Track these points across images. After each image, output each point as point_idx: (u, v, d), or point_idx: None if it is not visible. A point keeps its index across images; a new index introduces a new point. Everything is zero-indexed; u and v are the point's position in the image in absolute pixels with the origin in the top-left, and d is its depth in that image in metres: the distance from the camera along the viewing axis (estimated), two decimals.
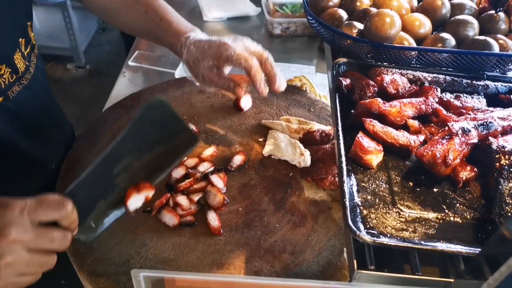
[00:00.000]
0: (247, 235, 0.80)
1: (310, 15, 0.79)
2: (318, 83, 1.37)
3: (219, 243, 0.79)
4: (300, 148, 0.93)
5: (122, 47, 2.47)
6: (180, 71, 1.27)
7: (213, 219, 0.81)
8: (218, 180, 0.87)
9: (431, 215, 0.56)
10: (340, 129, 0.62)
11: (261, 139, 0.99)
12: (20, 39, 0.78)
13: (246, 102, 1.08)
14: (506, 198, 0.52)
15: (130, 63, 1.40)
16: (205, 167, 0.91)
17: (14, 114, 0.81)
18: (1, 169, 0.83)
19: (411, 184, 0.60)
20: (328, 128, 0.97)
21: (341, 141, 0.60)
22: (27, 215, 0.54)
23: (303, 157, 0.91)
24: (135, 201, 0.69)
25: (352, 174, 0.60)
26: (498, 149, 0.56)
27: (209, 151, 0.94)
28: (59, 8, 3.16)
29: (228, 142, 0.98)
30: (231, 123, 1.03)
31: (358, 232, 0.50)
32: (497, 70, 0.76)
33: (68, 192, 0.63)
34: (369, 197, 0.57)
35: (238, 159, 0.93)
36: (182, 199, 0.84)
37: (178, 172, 0.88)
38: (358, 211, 0.55)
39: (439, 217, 0.56)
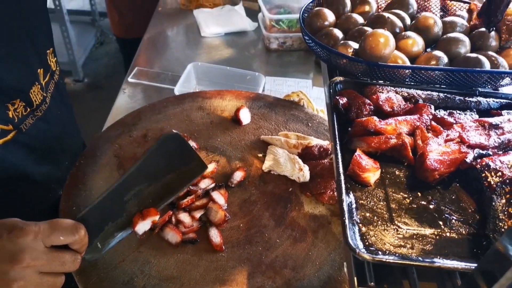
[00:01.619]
0: (249, 251, 0.82)
1: (307, 35, 0.82)
2: (315, 97, 1.40)
3: (221, 259, 0.80)
4: (299, 163, 0.95)
5: (120, 60, 2.50)
6: (180, 87, 1.29)
7: (215, 235, 0.83)
8: (219, 197, 0.89)
9: (427, 231, 0.58)
10: (338, 147, 0.64)
11: (260, 155, 1.01)
12: (39, 70, 0.77)
13: (245, 115, 1.10)
14: (500, 214, 0.54)
15: (130, 79, 1.42)
16: (206, 183, 0.92)
17: (28, 147, 0.80)
18: (12, 194, 0.83)
19: (407, 201, 0.61)
20: (326, 143, 0.99)
21: (339, 160, 0.62)
22: (41, 239, 0.56)
23: (302, 172, 0.93)
24: (143, 226, 0.72)
25: (351, 192, 0.62)
26: (482, 168, 0.58)
27: (210, 167, 0.96)
28: (57, 22, 3.20)
29: (228, 158, 1.00)
30: (230, 139, 1.05)
31: (357, 250, 0.51)
32: (489, 86, 0.79)
33: (80, 217, 0.66)
34: (367, 214, 0.59)
35: (238, 175, 0.94)
36: (184, 217, 0.85)
37: None
38: (357, 228, 0.57)
39: (436, 233, 0.57)
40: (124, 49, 2.19)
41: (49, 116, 0.83)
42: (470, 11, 0.93)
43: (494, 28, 0.81)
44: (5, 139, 0.72)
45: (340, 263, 0.80)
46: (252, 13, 1.77)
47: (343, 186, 0.59)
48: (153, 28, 1.72)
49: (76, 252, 0.61)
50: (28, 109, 0.76)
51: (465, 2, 0.96)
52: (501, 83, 0.79)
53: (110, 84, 3.38)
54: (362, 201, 0.61)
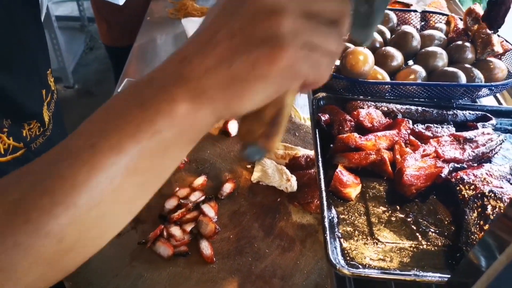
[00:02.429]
0: (239, 262, 0.84)
1: None
2: (302, 104, 1.42)
3: (212, 271, 0.83)
4: (286, 174, 0.98)
5: (110, 66, 2.51)
6: None
7: (205, 248, 0.85)
8: (209, 210, 0.91)
9: (406, 244, 0.61)
10: (320, 164, 0.67)
11: (249, 166, 1.04)
12: (43, 90, 0.78)
13: (233, 127, 1.12)
14: (472, 227, 0.57)
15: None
16: (196, 196, 0.95)
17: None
18: None
19: (387, 214, 0.64)
20: (312, 153, 1.02)
21: (322, 177, 0.65)
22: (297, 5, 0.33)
23: (290, 183, 0.96)
24: None
25: (333, 207, 0.65)
26: (457, 182, 0.61)
27: (200, 180, 0.99)
28: (45, 29, 3.19)
29: (217, 170, 1.02)
30: (220, 150, 1.08)
31: (338, 266, 0.54)
32: (465, 99, 0.82)
33: None
34: (348, 229, 0.62)
35: (227, 187, 0.97)
36: (175, 230, 0.87)
37: (170, 203, 0.92)
38: (339, 243, 0.60)
39: (413, 245, 0.60)
40: (113, 57, 2.19)
41: (54, 134, 0.85)
42: (448, 23, 0.97)
43: (498, 31, 0.85)
44: (14, 156, 0.73)
45: (327, 271, 0.83)
46: None
47: (325, 202, 0.62)
48: (142, 37, 1.73)
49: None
50: (42, 129, 0.78)
51: (443, 15, 0.99)
52: (478, 94, 0.82)
53: (101, 89, 3.38)
54: (343, 216, 0.64)
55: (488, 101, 0.91)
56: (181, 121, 0.33)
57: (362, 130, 0.74)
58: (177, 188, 0.96)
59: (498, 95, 0.92)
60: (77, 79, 3.49)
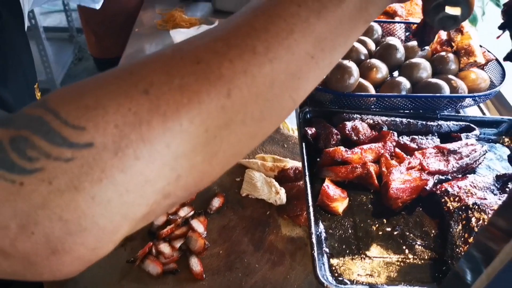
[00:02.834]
0: (229, 278, 0.84)
1: None
2: (292, 115, 1.43)
3: None
4: (275, 187, 0.98)
5: None
6: None
7: (195, 264, 0.85)
8: (198, 225, 0.91)
9: (393, 258, 0.61)
10: (307, 179, 0.67)
11: (238, 179, 1.03)
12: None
13: None
14: (457, 240, 0.58)
15: None
16: (185, 211, 0.94)
17: None
18: None
19: (374, 228, 0.65)
20: (301, 165, 1.02)
21: (309, 192, 0.65)
22: None
23: (279, 195, 0.96)
24: None
25: (320, 222, 0.65)
26: (442, 194, 0.62)
27: None
28: (33, 40, 3.17)
29: None
30: None
31: (326, 283, 0.54)
32: (449, 110, 0.83)
33: None
34: (336, 244, 0.62)
35: (216, 201, 0.97)
36: (164, 247, 0.87)
37: (159, 219, 0.92)
38: (327, 259, 0.60)
39: (400, 259, 0.61)
40: (102, 69, 2.18)
41: None
42: None
43: (426, 48, 0.86)
44: None
45: (317, 285, 0.83)
46: None
47: (312, 218, 0.62)
48: (130, 49, 1.73)
49: None
50: None
51: None
52: (462, 105, 0.83)
53: None
54: (331, 231, 0.64)
55: (472, 111, 0.92)
56: None
57: (349, 143, 0.74)
58: None
59: (481, 105, 0.93)
60: None
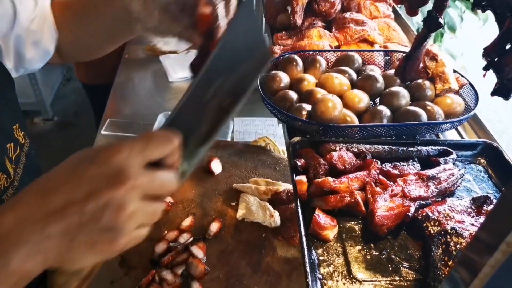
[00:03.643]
0: None
1: (264, 99, 0.91)
2: (281, 135, 1.49)
3: None
4: (269, 210, 1.03)
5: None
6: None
7: None
8: (198, 251, 0.95)
9: (381, 280, 0.66)
10: (300, 210, 0.73)
11: (233, 203, 1.09)
12: (8, 145, 0.80)
13: (216, 166, 1.17)
14: (438, 263, 0.63)
15: (103, 132, 1.47)
16: (185, 238, 0.99)
17: None
18: None
19: (363, 253, 0.70)
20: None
21: (301, 222, 0.71)
22: (137, 155, 0.44)
23: (273, 218, 1.01)
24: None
25: (313, 249, 0.70)
26: (423, 218, 0.68)
27: (187, 221, 1.03)
28: None
29: (203, 210, 1.07)
30: (204, 190, 1.12)
31: None
32: (428, 135, 0.89)
33: (167, 125, 0.51)
34: (328, 269, 0.68)
35: (214, 227, 1.02)
36: (167, 274, 0.91)
37: (160, 247, 0.96)
38: (320, 284, 0.65)
39: (388, 281, 0.66)
40: (91, 94, 2.21)
41: (26, 184, 0.86)
42: None
43: (409, 83, 0.93)
44: None
45: None
46: None
47: (305, 247, 0.67)
48: (121, 76, 1.78)
49: (171, 169, 0.48)
50: (9, 181, 0.80)
51: (404, 52, 1.07)
52: (440, 129, 0.90)
53: (80, 120, 3.38)
54: (323, 257, 0.70)
55: (450, 133, 0.99)
56: (12, 274, 0.42)
57: (336, 172, 0.80)
58: (166, 232, 1.00)
59: (459, 127, 1.00)
60: (56, 111, 3.49)
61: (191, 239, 0.98)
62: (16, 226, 0.42)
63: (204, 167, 1.17)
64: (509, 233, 0.32)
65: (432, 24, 0.83)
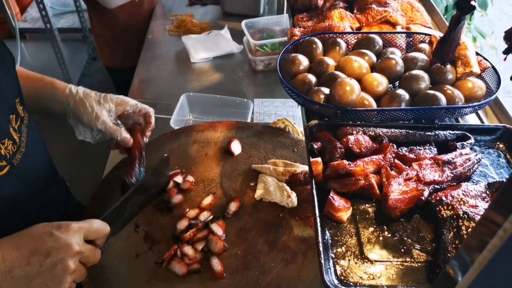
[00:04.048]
0: (247, 276, 0.93)
1: (283, 82, 0.92)
2: (301, 116, 1.50)
3: (223, 285, 0.91)
4: (287, 191, 1.06)
5: None
6: (175, 118, 1.40)
7: (216, 264, 0.94)
8: (217, 228, 1.00)
9: (393, 261, 0.69)
10: (315, 192, 0.75)
11: (252, 184, 1.12)
12: (11, 116, 0.88)
13: (236, 147, 1.20)
14: (449, 247, 0.65)
15: None
16: (205, 216, 1.03)
17: (21, 180, 0.91)
18: (10, 224, 0.86)
19: (375, 234, 0.72)
20: None
21: (316, 204, 0.73)
22: (83, 233, 0.75)
23: (290, 199, 1.04)
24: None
25: (327, 230, 0.73)
26: (436, 202, 0.69)
27: (208, 200, 1.07)
28: (49, 42, 3.28)
29: (223, 189, 1.11)
30: (224, 170, 1.16)
31: (331, 287, 0.62)
32: (447, 119, 0.89)
33: (104, 219, 0.85)
34: (341, 249, 0.70)
35: (233, 206, 1.05)
36: (188, 249, 0.96)
37: (182, 224, 1.01)
38: (332, 264, 0.68)
39: (399, 262, 0.68)
40: (115, 78, 2.26)
41: (29, 151, 0.93)
42: (430, 43, 1.03)
43: (447, 64, 0.91)
44: (1, 173, 0.83)
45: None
46: (238, 35, 1.86)
47: (319, 228, 0.70)
48: (145, 57, 1.81)
49: (99, 246, 0.80)
50: (16, 146, 0.88)
51: (426, 34, 1.05)
52: (460, 114, 0.89)
53: None
54: (336, 238, 0.72)
55: (471, 117, 0.98)
56: None
57: (352, 155, 0.82)
58: (187, 209, 1.04)
59: (480, 111, 0.99)
60: None
61: (211, 217, 1.02)
62: None
63: (224, 148, 1.20)
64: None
65: (465, 7, 0.82)
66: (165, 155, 1.07)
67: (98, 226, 0.79)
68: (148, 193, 1.04)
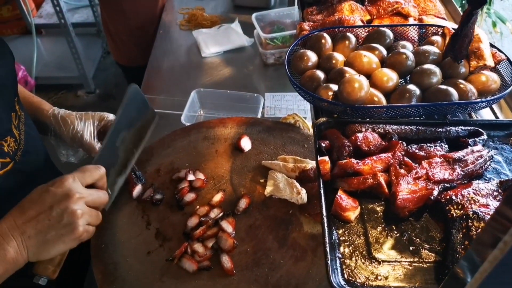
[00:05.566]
0: (256, 273, 0.94)
1: (290, 79, 0.91)
2: (308, 110, 1.49)
3: (233, 282, 0.92)
4: (296, 187, 1.05)
5: None
6: (186, 114, 1.40)
7: (226, 261, 0.95)
8: (227, 226, 1.00)
9: (401, 261, 0.68)
10: (322, 191, 0.75)
11: (262, 180, 1.12)
12: (12, 114, 0.92)
13: (245, 144, 1.20)
14: (458, 247, 0.64)
15: None
16: (215, 213, 1.04)
17: (23, 174, 0.94)
18: None
19: (384, 234, 0.72)
20: None
21: (323, 203, 0.73)
22: (79, 180, 0.76)
23: (300, 196, 1.04)
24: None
25: (334, 230, 0.72)
26: (446, 202, 0.68)
27: (218, 197, 1.08)
28: (63, 37, 3.31)
29: (233, 186, 1.11)
30: (234, 166, 1.16)
31: None
32: (460, 114, 0.87)
33: (95, 162, 0.85)
34: (348, 249, 0.70)
35: (243, 203, 1.06)
36: (198, 247, 0.97)
37: (192, 221, 1.02)
38: (339, 264, 0.68)
39: (407, 262, 0.68)
40: (127, 74, 2.27)
41: (28, 147, 0.96)
42: (443, 35, 1.01)
43: (461, 61, 0.89)
44: (6, 170, 0.87)
45: None
46: (248, 28, 1.85)
47: (326, 228, 0.69)
48: (156, 52, 1.82)
49: (101, 189, 0.81)
50: (17, 144, 0.92)
51: (438, 26, 1.03)
52: (472, 108, 0.87)
53: (121, 92, 3.50)
54: (344, 237, 0.72)
55: (485, 112, 0.95)
56: (8, 262, 0.69)
57: (361, 153, 0.81)
58: (198, 207, 1.05)
59: (494, 106, 0.96)
60: (97, 84, 3.63)
61: (221, 214, 1.03)
62: (6, 231, 0.69)
63: (234, 144, 1.20)
64: None
65: (475, 1, 0.80)
66: (132, 84, 0.99)
67: (91, 169, 0.79)
68: (134, 127, 1.00)
